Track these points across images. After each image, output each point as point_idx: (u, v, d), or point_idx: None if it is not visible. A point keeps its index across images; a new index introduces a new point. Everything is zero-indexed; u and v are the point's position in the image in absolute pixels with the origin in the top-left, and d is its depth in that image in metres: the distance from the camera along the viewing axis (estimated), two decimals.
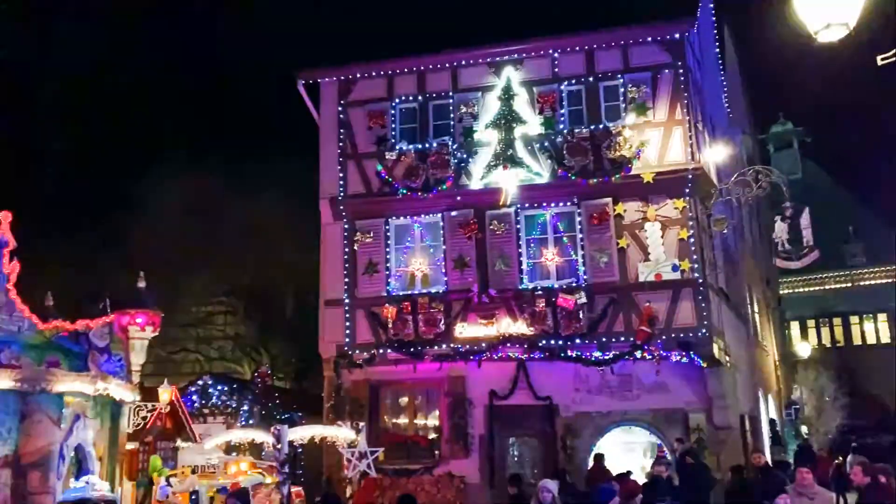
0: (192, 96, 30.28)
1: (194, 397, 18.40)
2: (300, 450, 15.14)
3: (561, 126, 16.22)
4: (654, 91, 15.94)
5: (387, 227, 16.70)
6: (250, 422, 17.87)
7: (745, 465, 12.29)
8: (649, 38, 16.17)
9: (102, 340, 11.50)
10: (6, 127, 25.31)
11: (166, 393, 13.34)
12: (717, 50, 19.21)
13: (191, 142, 29.17)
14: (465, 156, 16.39)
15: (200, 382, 19.20)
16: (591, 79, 16.41)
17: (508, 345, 15.11)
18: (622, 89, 16.19)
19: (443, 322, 15.56)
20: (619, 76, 16.21)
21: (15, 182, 23.72)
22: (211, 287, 27.30)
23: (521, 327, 15.09)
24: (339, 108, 17.43)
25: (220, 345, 29.57)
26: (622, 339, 14.90)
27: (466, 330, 15.40)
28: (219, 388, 19.04)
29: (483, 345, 15.27)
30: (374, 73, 17.41)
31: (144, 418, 12.49)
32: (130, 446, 12.22)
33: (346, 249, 16.70)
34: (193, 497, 12.25)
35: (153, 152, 28.28)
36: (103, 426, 11.17)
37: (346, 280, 16.51)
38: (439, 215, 16.46)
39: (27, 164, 26.63)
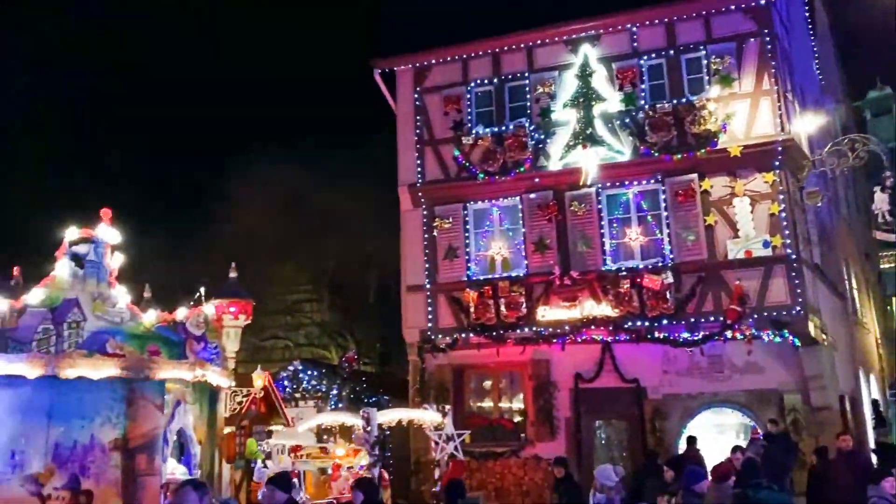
0: (278, 88, 31.18)
1: (286, 382, 19.01)
2: (388, 432, 15.42)
3: (642, 102, 15.83)
4: (740, 61, 15.33)
5: (465, 212, 16.74)
6: (339, 405, 18.34)
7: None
8: (732, 7, 15.54)
9: (199, 329, 11.95)
10: (103, 122, 26.68)
11: (260, 378, 13.81)
12: (807, 13, 18.30)
13: (276, 134, 30.02)
14: (542, 137, 16.23)
15: (291, 368, 19.83)
16: (671, 52, 15.91)
17: (592, 327, 14.93)
18: (705, 61, 15.64)
19: (524, 305, 15.52)
20: (702, 48, 15.66)
21: (113, 178, 25.03)
22: (297, 276, 28.04)
23: (605, 309, 14.88)
24: (415, 95, 17.53)
25: (307, 331, 30.37)
26: (711, 318, 14.49)
27: (549, 313, 15.30)
28: (308, 372, 19.61)
29: (566, 327, 15.15)
30: (448, 58, 17.41)
31: (240, 403, 12.94)
32: (228, 430, 12.71)
33: (426, 235, 16.85)
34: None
35: (241, 145, 29.24)
36: (202, 411, 11.65)
37: (427, 266, 16.68)
38: (518, 198, 16.38)
39: (124, 160, 28.03)
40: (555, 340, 15.21)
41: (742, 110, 15.09)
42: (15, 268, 13.74)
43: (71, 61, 29.67)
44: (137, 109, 30.83)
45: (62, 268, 10.34)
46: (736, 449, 10.58)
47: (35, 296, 10.21)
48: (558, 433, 15.28)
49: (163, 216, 25.98)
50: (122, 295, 10.88)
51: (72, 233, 10.53)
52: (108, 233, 10.76)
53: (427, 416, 13.42)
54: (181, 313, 11.71)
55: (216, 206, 26.88)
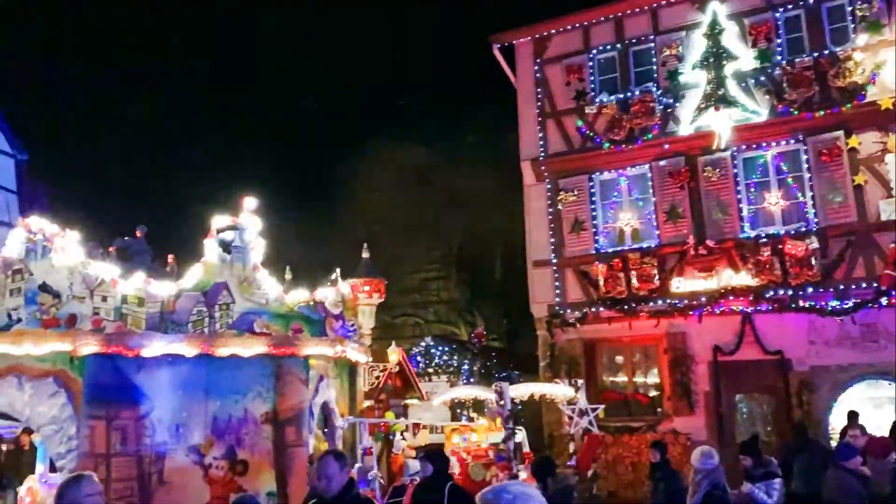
0: (401, 70, 31.77)
1: (418, 358, 19.50)
2: (520, 406, 15.51)
3: (778, 57, 14.85)
4: (890, 5, 14.02)
5: (591, 184, 16.41)
6: (470, 380, 18.62)
7: None
8: None
9: (336, 308, 12.46)
10: (241, 114, 28.18)
11: (395, 354, 14.27)
12: None
13: (400, 118, 30.64)
14: (671, 101, 15.59)
15: (423, 344, 20.32)
16: (811, 1, 14.79)
17: (731, 297, 14.28)
18: (849, 8, 14.44)
19: (657, 277, 15.06)
20: None
21: (253, 167, 26.46)
22: (425, 255, 28.58)
23: (744, 278, 14.18)
24: (535, 68, 17.30)
25: (435, 309, 30.95)
26: (863, 285, 13.50)
27: (683, 284, 14.78)
28: (440, 348, 20.02)
29: (703, 299, 14.58)
30: (569, 27, 17.04)
31: (377, 378, 13.47)
32: (367, 403, 13.25)
33: (551, 209, 16.67)
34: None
35: (368, 131, 30.04)
36: (343, 386, 12.21)
37: (553, 240, 16.52)
38: (646, 166, 15.86)
39: (263, 151, 29.55)
40: (691, 312, 14.68)
41: (893, 59, 13.83)
42: (169, 255, 14.89)
43: (202, 54, 31.50)
44: (271, 100, 32.36)
45: (211, 254, 10.98)
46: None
47: (188, 280, 10.93)
48: (697, 407, 14.80)
49: (299, 202, 27.20)
50: (265, 277, 11.48)
51: (219, 221, 11.19)
52: (251, 220, 11.36)
53: (559, 391, 13.38)
54: (320, 293, 12.25)
55: (348, 191, 27.83)
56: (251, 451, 9.34)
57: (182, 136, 30.73)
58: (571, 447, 13.18)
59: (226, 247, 11.10)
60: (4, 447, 13.13)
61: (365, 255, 13.65)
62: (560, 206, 16.48)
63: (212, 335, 9.91)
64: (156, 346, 9.21)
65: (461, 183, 25.50)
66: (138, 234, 14.32)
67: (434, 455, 6.97)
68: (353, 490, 4.50)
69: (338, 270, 14.04)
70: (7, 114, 25.24)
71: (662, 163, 15.61)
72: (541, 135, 17.02)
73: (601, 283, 15.46)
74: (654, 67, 16.06)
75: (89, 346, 8.88)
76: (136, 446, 8.85)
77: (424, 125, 27.63)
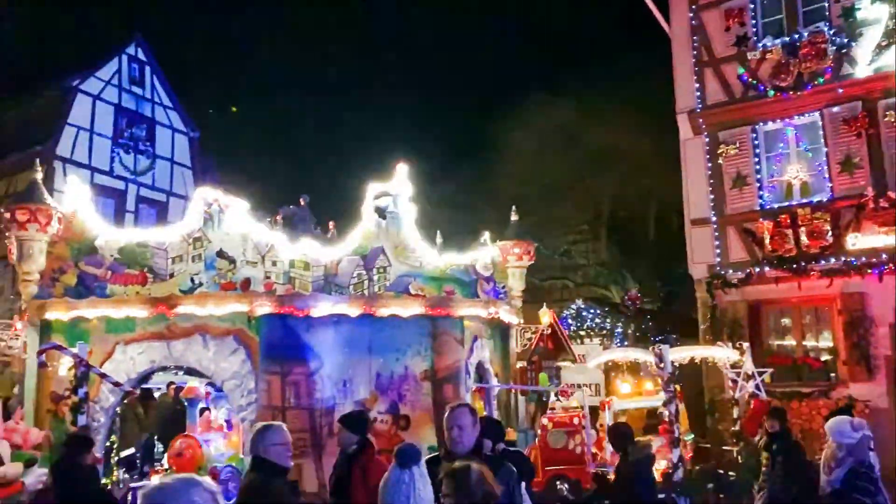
0: (546, 25, 31.24)
1: (569, 320, 19.37)
2: (678, 370, 15.01)
3: None
4: None
5: (754, 135, 15.36)
6: (624, 343, 18.26)
7: None
8: None
9: (487, 271, 12.62)
10: (392, 82, 28.86)
11: (546, 316, 14.25)
12: None
13: (546, 76, 30.19)
14: (846, 41, 14.19)
15: (574, 307, 20.15)
16: None
17: None
18: None
19: (830, 234, 13.92)
20: None
21: (404, 133, 27.13)
22: (573, 216, 28.12)
23: None
24: (691, 14, 16.30)
25: (584, 271, 30.49)
26: None
27: (861, 241, 13.57)
28: (591, 311, 19.77)
29: (884, 256, 13.33)
30: None
31: (529, 339, 13.53)
32: (519, 364, 13.36)
33: (710, 164, 15.80)
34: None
35: (514, 91, 29.92)
36: (495, 347, 12.40)
37: (712, 197, 15.67)
38: (817, 114, 14.60)
39: (414, 116, 30.22)
40: (870, 271, 13.47)
41: None
42: (330, 222, 15.64)
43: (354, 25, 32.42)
44: (419, 66, 32.94)
45: (368, 220, 11.43)
46: None
47: (348, 246, 11.44)
48: (877, 373, 13.64)
49: (449, 167, 27.65)
50: (418, 241, 11.79)
51: (374, 188, 11.59)
52: (404, 186, 11.67)
53: (722, 354, 12.80)
54: (471, 256, 12.43)
55: (496, 153, 27.88)
56: (412, 406, 9.73)
57: (338, 107, 32.07)
58: (735, 412, 12.62)
59: (381, 213, 11.49)
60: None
61: (514, 217, 13.65)
62: (720, 161, 15.58)
63: (372, 297, 10.35)
64: (323, 307, 9.76)
65: (611, 140, 24.75)
66: (302, 202, 15.13)
67: (348, 421, 5.64)
68: (484, 447, 4.49)
69: (487, 234, 14.16)
70: (180, 95, 27.38)
71: (836, 109, 14.30)
72: (697, 85, 16.10)
73: (767, 241, 14.51)
74: (826, 5, 14.65)
75: (264, 307, 9.55)
76: (308, 400, 9.48)
77: (572, 82, 27.00)
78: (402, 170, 11.67)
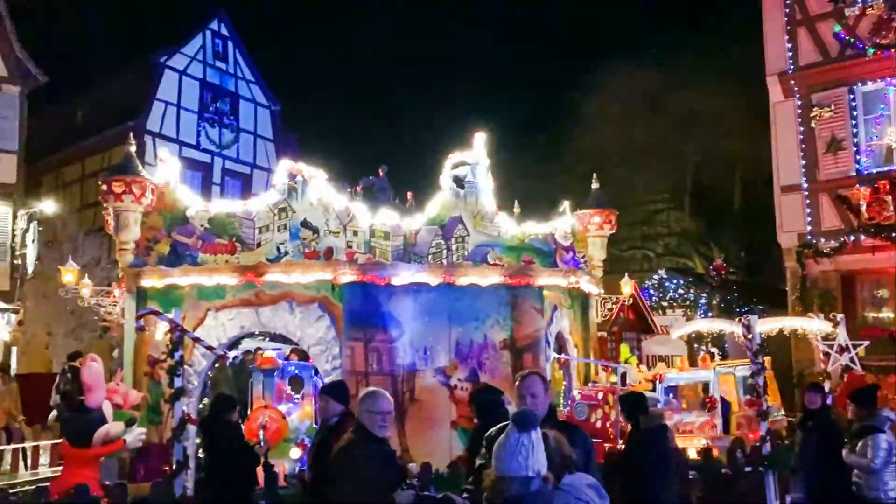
0: None
1: (651, 291, 19.01)
2: (764, 342, 14.53)
3: None
4: None
5: (851, 97, 14.56)
6: (709, 314, 17.80)
7: None
8: None
9: (566, 240, 12.46)
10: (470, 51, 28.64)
11: (628, 286, 14.00)
12: None
13: (628, 39, 29.36)
14: None
15: (656, 277, 19.75)
16: None
17: None
18: None
19: None
20: None
21: (483, 102, 26.99)
22: (655, 184, 27.42)
23: None
24: None
25: (665, 241, 29.81)
26: None
27: None
28: (674, 281, 19.33)
29: None
30: None
31: (610, 310, 13.34)
32: (599, 335, 13.21)
33: (802, 128, 15.10)
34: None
35: (594, 57, 29.26)
36: (575, 317, 12.28)
37: (804, 162, 14.99)
38: None
39: (492, 86, 29.97)
40: None
41: None
42: (409, 192, 15.75)
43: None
44: (498, 34, 32.59)
45: (446, 189, 11.43)
46: None
47: (427, 215, 11.49)
48: None
49: (527, 136, 27.43)
50: (497, 211, 11.73)
51: (452, 157, 11.58)
52: (482, 155, 11.61)
53: (813, 326, 12.31)
54: (550, 225, 12.29)
55: (574, 121, 27.42)
56: (492, 375, 9.78)
57: (416, 78, 32.14)
58: (827, 385, 12.14)
59: (459, 182, 11.48)
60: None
61: (595, 185, 13.40)
62: (813, 125, 14.85)
63: (452, 265, 10.41)
64: (403, 276, 9.89)
65: (696, 105, 23.90)
66: (380, 173, 15.27)
67: (333, 390, 5.45)
68: (556, 415, 4.45)
69: (567, 203, 13.97)
70: (262, 69, 27.97)
71: None
72: (790, 45, 15.33)
73: (863, 208, 13.81)
74: None
75: (347, 276, 9.75)
76: (390, 366, 9.67)
77: (655, 44, 26.21)
78: (480, 139, 11.60)
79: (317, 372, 11.45)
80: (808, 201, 14.87)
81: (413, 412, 9.63)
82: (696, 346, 15.28)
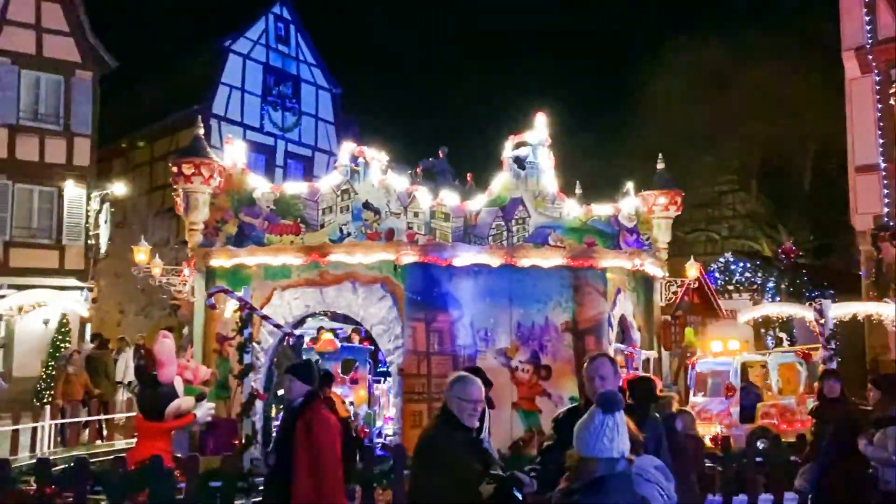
0: None
1: (716, 274, 18.58)
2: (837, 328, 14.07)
3: None
4: None
5: None
6: (776, 298, 17.30)
7: None
8: None
9: (630, 221, 12.24)
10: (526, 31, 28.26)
11: (693, 269, 13.68)
12: None
13: (692, 15, 28.52)
14: None
15: (722, 260, 19.29)
16: None
17: None
18: None
19: None
20: None
21: (542, 82, 26.68)
22: (720, 165, 26.68)
23: None
24: None
25: (731, 223, 29.05)
26: None
27: None
28: (740, 265, 18.84)
29: None
30: None
31: (675, 293, 13.07)
32: (662, 319, 12.96)
33: (880, 105, 14.47)
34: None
35: (659, 33, 28.56)
36: (639, 300, 12.09)
37: (882, 141, 14.38)
38: None
39: (553, 65, 29.54)
40: None
41: None
42: (468, 174, 15.71)
43: None
44: (557, 13, 32.11)
45: (507, 171, 11.36)
46: None
47: (487, 197, 11.44)
48: None
49: (589, 116, 27.05)
50: (558, 192, 11.60)
51: (513, 138, 11.48)
52: (542, 135, 11.47)
53: (889, 312, 11.85)
54: (613, 207, 12.09)
55: (637, 100, 26.84)
56: (553, 357, 9.74)
57: (476, 59, 31.97)
58: None
59: (520, 163, 11.38)
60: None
61: (660, 166, 13.09)
62: (893, 101, 14.20)
63: (513, 247, 10.36)
64: (465, 257, 9.90)
65: (765, 83, 23.08)
66: (440, 154, 15.26)
67: (298, 370, 5.41)
68: (624, 398, 4.36)
69: (630, 183, 13.71)
70: (323, 52, 28.24)
71: None
72: (868, 19, 14.68)
73: None
74: None
75: (409, 256, 9.82)
76: (451, 347, 9.72)
77: (722, 20, 25.40)
78: (541, 120, 11.47)
79: (373, 355, 11.61)
80: (885, 182, 14.28)
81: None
82: (762, 330, 14.88)
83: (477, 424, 4.28)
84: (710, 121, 24.82)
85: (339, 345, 11.36)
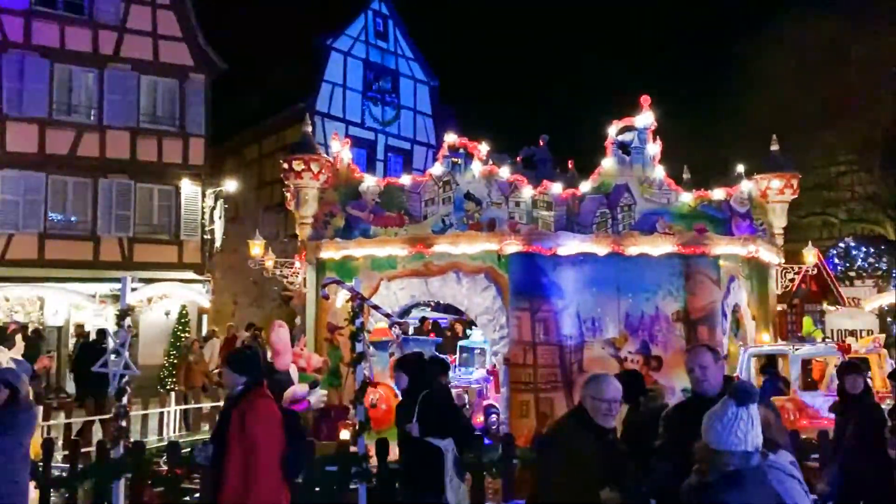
0: None
1: (836, 260, 17.58)
2: None
3: None
4: None
5: None
6: None
7: None
8: None
9: (743, 206, 11.75)
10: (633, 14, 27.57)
11: (811, 255, 13.02)
12: None
13: None
14: None
15: (842, 245, 18.23)
16: None
17: None
18: None
19: None
20: None
21: (646, 64, 25.95)
22: (838, 145, 25.13)
23: None
24: None
25: (849, 206, 27.38)
26: None
27: None
28: (863, 250, 17.73)
29: None
30: None
31: (791, 280, 12.48)
32: (778, 308, 12.40)
33: None
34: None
35: (766, 4, 27.18)
36: (753, 288, 11.60)
37: None
38: None
39: (654, 46, 28.74)
40: None
41: None
42: (569, 161, 15.49)
43: None
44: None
45: (611, 156, 11.12)
46: None
47: (590, 184, 11.24)
48: None
49: (695, 98, 26.07)
50: (665, 177, 11.26)
51: (617, 123, 11.22)
52: (648, 119, 11.16)
53: None
54: (723, 191, 11.64)
55: (746, 79, 25.62)
56: (664, 347, 9.49)
57: (575, 44, 31.44)
58: None
59: (624, 148, 11.13)
60: None
61: (774, 147, 12.49)
62: None
63: (620, 235, 10.15)
64: (569, 246, 9.78)
65: (886, 53, 21.52)
66: (541, 142, 15.11)
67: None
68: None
69: (741, 166, 13.14)
70: (420, 45, 28.51)
71: None
72: None
73: None
74: None
75: (512, 246, 9.79)
76: (557, 337, 9.63)
77: None
78: (646, 103, 11.16)
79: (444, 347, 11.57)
80: None
81: (582, 383, 9.52)
82: (889, 319, 13.96)
83: (613, 424, 4.20)
84: (826, 97, 23.39)
85: (395, 335, 11.21)
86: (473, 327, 12.84)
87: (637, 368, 9.52)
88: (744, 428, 3.02)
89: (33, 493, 6.90)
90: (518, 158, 15.17)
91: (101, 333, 13.75)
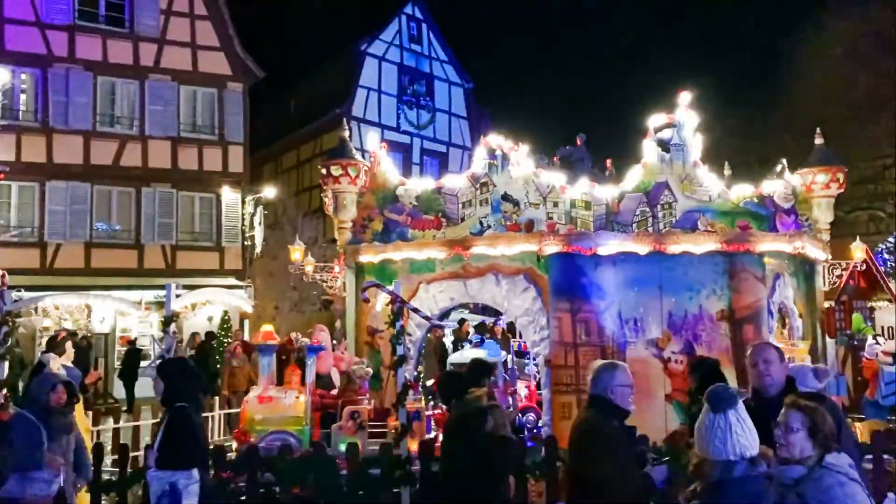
0: None
1: (885, 255, 17.12)
2: None
3: None
4: None
5: None
6: None
7: None
8: None
9: (787, 202, 11.51)
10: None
11: (859, 250, 12.67)
12: None
13: None
14: None
15: (891, 240, 17.73)
16: None
17: None
18: None
19: None
20: None
21: (683, 59, 25.58)
22: (885, 136, 24.44)
23: None
24: None
25: None
26: None
27: None
28: None
29: None
30: None
31: (839, 277, 12.17)
32: (827, 304, 12.09)
33: None
34: None
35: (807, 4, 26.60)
36: (800, 285, 11.34)
37: None
38: None
39: (693, 40, 28.29)
40: None
41: None
42: (607, 160, 15.35)
43: None
44: None
45: (650, 153, 10.98)
46: None
47: (629, 182, 11.11)
48: None
49: (735, 92, 25.61)
50: (706, 174, 11.09)
51: (655, 120, 11.07)
52: (688, 115, 11.00)
53: None
54: (767, 187, 11.41)
55: (788, 73, 25.10)
56: (709, 347, 9.30)
57: (612, 40, 31.16)
58: None
59: (664, 145, 10.99)
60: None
61: (818, 141, 12.20)
62: None
63: (661, 233, 10.00)
64: (610, 245, 9.64)
65: None
66: (578, 142, 15.01)
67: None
68: (796, 387, 4.05)
69: (784, 161, 12.87)
70: (454, 48, 28.54)
71: None
72: None
73: None
74: None
75: (552, 247, 9.70)
76: (598, 338, 9.50)
77: None
78: (685, 98, 11.00)
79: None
80: None
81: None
82: None
83: (634, 408, 4.32)
84: (872, 88, 22.78)
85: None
86: (466, 344, 12.90)
87: (681, 369, 9.40)
88: (721, 436, 2.89)
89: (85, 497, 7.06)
90: (555, 158, 15.11)
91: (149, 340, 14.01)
